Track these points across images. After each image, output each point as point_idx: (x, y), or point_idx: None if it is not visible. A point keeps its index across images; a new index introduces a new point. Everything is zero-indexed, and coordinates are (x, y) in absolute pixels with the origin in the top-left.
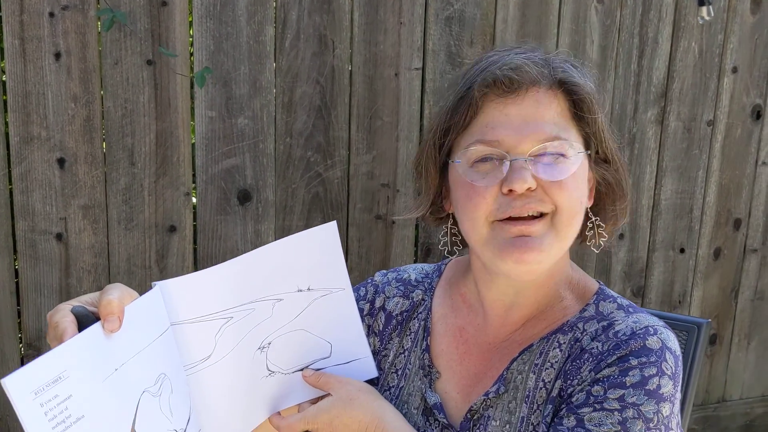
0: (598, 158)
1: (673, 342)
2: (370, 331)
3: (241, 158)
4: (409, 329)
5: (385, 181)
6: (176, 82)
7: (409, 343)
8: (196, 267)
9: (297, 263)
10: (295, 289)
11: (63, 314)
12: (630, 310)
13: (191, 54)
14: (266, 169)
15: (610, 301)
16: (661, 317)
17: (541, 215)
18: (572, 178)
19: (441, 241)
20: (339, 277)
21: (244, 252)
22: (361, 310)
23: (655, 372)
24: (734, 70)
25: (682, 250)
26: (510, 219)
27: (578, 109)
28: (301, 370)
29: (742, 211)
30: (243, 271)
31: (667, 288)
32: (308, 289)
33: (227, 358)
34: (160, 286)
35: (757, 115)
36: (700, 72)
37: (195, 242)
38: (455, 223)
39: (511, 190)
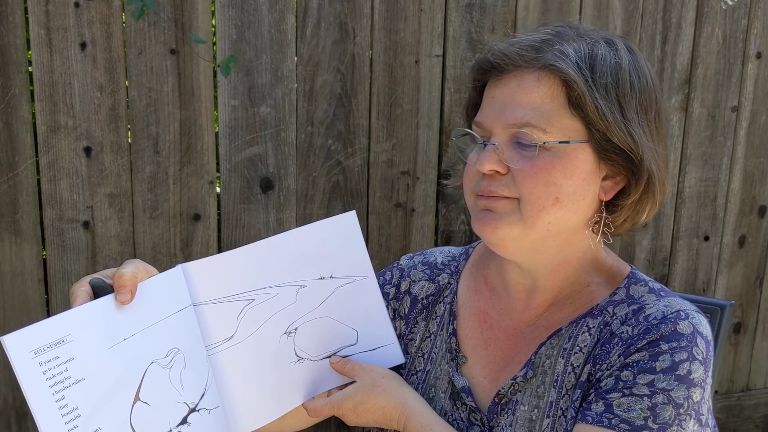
0: (610, 148)
1: (704, 327)
2: (395, 315)
3: (263, 147)
4: (435, 313)
5: (405, 169)
6: (199, 71)
7: (435, 327)
8: None
9: (317, 251)
10: (317, 277)
11: (80, 284)
12: (662, 294)
13: (214, 43)
14: (288, 157)
15: (641, 285)
16: (685, 299)
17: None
18: (542, 169)
19: (461, 230)
20: (362, 266)
21: None
22: (386, 294)
23: (685, 357)
24: (758, 55)
25: (706, 238)
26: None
27: (572, 95)
28: (329, 357)
29: (767, 198)
30: (262, 255)
31: (690, 276)
32: (331, 276)
33: (251, 339)
34: (182, 268)
35: None
36: (724, 58)
37: (219, 230)
38: None
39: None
